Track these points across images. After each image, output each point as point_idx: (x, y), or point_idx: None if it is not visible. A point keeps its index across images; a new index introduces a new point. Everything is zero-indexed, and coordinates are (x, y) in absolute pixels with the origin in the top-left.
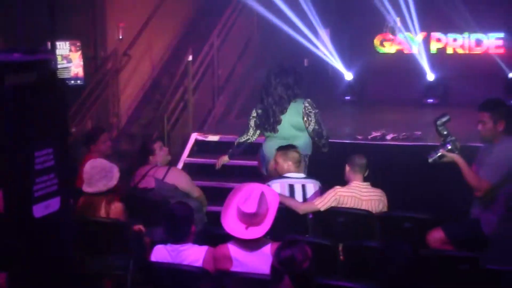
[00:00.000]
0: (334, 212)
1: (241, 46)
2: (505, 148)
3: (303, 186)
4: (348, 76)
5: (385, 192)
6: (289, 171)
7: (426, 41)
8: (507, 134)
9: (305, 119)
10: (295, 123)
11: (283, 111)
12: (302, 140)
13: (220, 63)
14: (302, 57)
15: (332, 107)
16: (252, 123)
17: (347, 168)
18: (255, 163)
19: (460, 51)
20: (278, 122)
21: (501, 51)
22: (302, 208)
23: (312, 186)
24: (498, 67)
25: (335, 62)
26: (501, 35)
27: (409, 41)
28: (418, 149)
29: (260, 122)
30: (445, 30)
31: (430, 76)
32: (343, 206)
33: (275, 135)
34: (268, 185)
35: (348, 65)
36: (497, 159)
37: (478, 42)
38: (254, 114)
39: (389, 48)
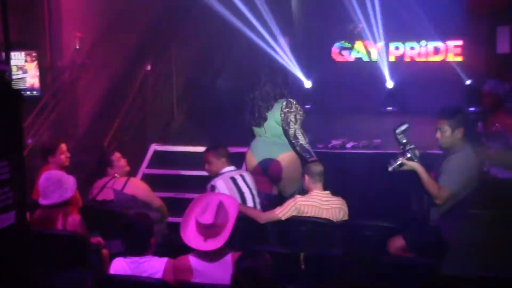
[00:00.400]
0: (295, 221)
1: (201, 55)
2: (465, 156)
3: (242, 176)
4: (307, 84)
5: (345, 200)
6: (223, 167)
7: (385, 50)
8: (466, 142)
9: (282, 116)
10: (278, 120)
11: (268, 107)
12: (282, 140)
13: (179, 73)
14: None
15: None
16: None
17: (306, 178)
18: None
19: (418, 59)
20: (264, 118)
21: (460, 58)
22: (264, 218)
23: (248, 174)
24: (457, 74)
25: (295, 70)
26: (459, 42)
27: (368, 49)
28: (378, 157)
29: (248, 116)
30: (403, 38)
31: (389, 84)
32: (304, 215)
33: (264, 133)
34: (213, 185)
35: (307, 73)
36: (456, 166)
37: (436, 50)
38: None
39: (348, 57)
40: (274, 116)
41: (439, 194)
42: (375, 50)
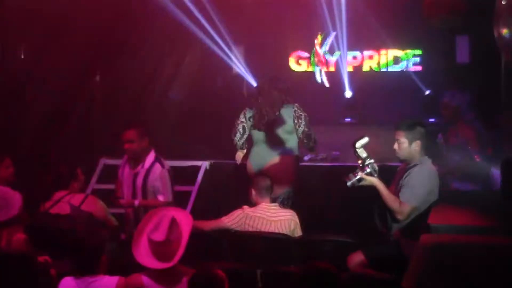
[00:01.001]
0: (250, 236)
1: (152, 64)
2: (425, 170)
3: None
4: None
5: (303, 214)
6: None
7: (343, 59)
8: (424, 155)
9: (296, 121)
10: (286, 126)
11: (275, 112)
12: (292, 143)
13: (130, 83)
14: (215, 75)
15: None
16: (240, 127)
17: (253, 192)
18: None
19: (376, 68)
20: (269, 123)
21: (419, 68)
22: (209, 226)
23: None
24: (416, 84)
25: (250, 80)
26: (419, 51)
27: (326, 59)
28: (337, 170)
29: (253, 122)
30: (361, 47)
31: (348, 94)
32: (251, 227)
33: (264, 137)
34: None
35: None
36: (416, 181)
37: (396, 60)
38: (242, 119)
39: (305, 67)
40: (284, 121)
41: (400, 209)
42: (333, 60)
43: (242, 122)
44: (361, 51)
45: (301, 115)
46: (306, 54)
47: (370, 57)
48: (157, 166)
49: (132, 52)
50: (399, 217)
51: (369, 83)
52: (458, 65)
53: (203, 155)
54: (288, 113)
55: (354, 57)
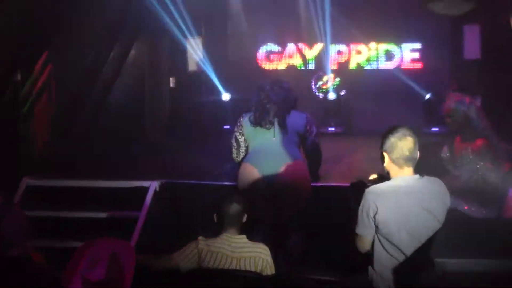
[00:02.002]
0: (215, 274)
1: (88, 64)
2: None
3: None
4: (225, 97)
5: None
6: None
7: (326, 54)
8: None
9: (308, 128)
10: (296, 129)
11: (282, 110)
12: (298, 147)
13: (61, 84)
14: (167, 74)
15: (214, 136)
16: (232, 140)
17: (216, 217)
18: (112, 213)
19: (365, 64)
20: (278, 122)
21: (418, 65)
22: (157, 265)
23: None
24: (415, 86)
25: (209, 79)
26: (417, 45)
27: (303, 53)
28: (320, 191)
29: (256, 120)
30: (348, 40)
31: (331, 96)
32: (207, 264)
33: (272, 137)
34: None
35: (225, 83)
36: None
37: (389, 55)
38: (235, 129)
39: (277, 63)
40: (295, 125)
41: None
42: (313, 55)
43: (235, 132)
44: (347, 44)
45: (312, 122)
46: (278, 48)
47: (358, 52)
48: None
49: (63, 47)
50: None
51: (357, 83)
52: (467, 62)
53: (151, 173)
54: (299, 116)
55: (339, 52)
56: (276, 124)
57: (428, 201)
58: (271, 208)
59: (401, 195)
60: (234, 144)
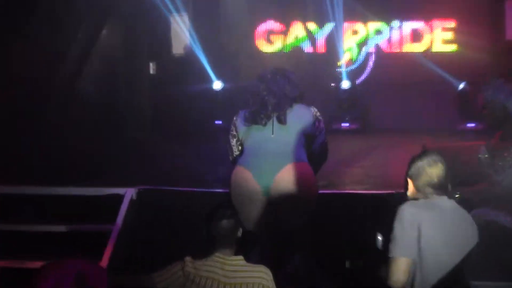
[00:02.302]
0: None
1: (52, 44)
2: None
3: None
4: (217, 85)
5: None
6: None
7: (337, 34)
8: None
9: (317, 125)
10: (302, 126)
11: (283, 103)
12: (302, 146)
13: (17, 71)
14: (146, 59)
15: (203, 133)
16: (230, 137)
17: (205, 233)
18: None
19: (388, 49)
20: (284, 114)
21: (452, 48)
22: (134, 285)
23: None
24: (447, 73)
25: (196, 65)
26: (451, 24)
27: (311, 34)
28: (327, 199)
29: (250, 115)
30: (366, 17)
31: (345, 84)
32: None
33: (270, 134)
34: None
35: (217, 69)
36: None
37: (416, 35)
38: (232, 130)
39: (280, 45)
40: (301, 121)
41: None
42: (323, 35)
43: (231, 132)
44: (364, 21)
45: (321, 119)
46: (280, 27)
47: (378, 32)
48: None
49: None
50: None
51: (376, 69)
52: (509, 44)
53: (127, 178)
54: (307, 110)
55: (355, 32)
56: (275, 119)
57: (465, 219)
58: (270, 221)
59: (444, 211)
60: (232, 143)
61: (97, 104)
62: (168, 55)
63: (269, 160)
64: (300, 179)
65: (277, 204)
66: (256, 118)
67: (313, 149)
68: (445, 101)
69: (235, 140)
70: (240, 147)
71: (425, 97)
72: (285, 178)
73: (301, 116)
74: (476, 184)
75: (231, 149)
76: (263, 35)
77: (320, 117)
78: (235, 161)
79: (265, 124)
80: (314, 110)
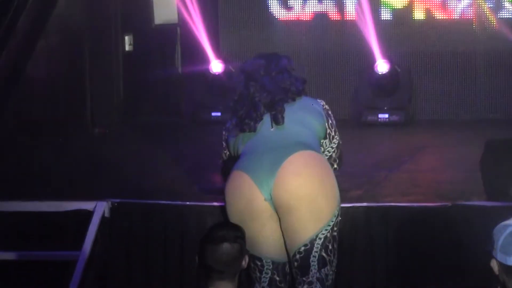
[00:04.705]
0: None
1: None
2: None
3: None
4: (216, 67)
5: None
6: None
7: None
8: None
9: (330, 122)
10: (310, 121)
11: (284, 101)
12: (315, 142)
13: None
14: (118, 30)
15: (196, 129)
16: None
17: (198, 261)
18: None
19: (440, 14)
20: (281, 111)
21: None
22: None
23: None
24: None
25: (188, 38)
26: None
27: None
28: (360, 213)
29: (237, 123)
30: None
31: (382, 68)
32: None
33: (263, 135)
34: None
35: (218, 46)
36: None
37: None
38: (224, 147)
39: (299, 12)
40: (311, 115)
41: None
42: None
43: (224, 151)
44: None
45: (331, 115)
46: None
47: None
48: None
49: None
50: None
51: (424, 45)
52: None
53: (98, 189)
54: (316, 106)
55: None
56: (268, 118)
57: None
58: (276, 237)
59: None
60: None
61: (55, 91)
62: (149, 27)
63: (270, 155)
64: (312, 172)
65: (284, 210)
66: (242, 125)
67: (328, 156)
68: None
69: (233, 146)
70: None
71: (491, 78)
72: (292, 172)
73: (309, 110)
74: None
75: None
76: None
77: (330, 113)
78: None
79: (254, 130)
80: (322, 102)
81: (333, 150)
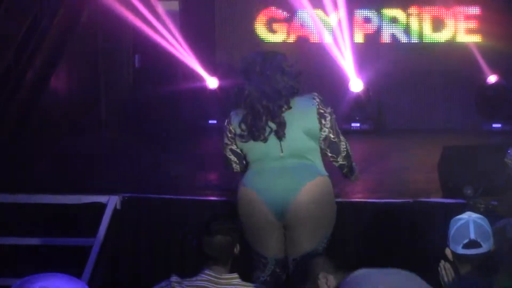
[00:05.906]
0: None
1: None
2: None
3: None
4: (212, 83)
5: None
6: None
7: (348, 24)
8: None
9: (323, 121)
10: (307, 127)
11: (281, 108)
12: (318, 155)
13: None
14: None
15: (195, 134)
16: (227, 152)
17: (196, 247)
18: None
19: (403, 38)
20: (282, 124)
21: (476, 38)
22: None
23: None
24: (474, 66)
25: (187, 59)
26: (475, 10)
27: (318, 23)
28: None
29: (247, 127)
30: (379, 4)
31: (356, 86)
32: None
33: (279, 152)
34: None
35: (210, 65)
36: None
37: (437, 24)
38: (225, 138)
39: (283, 35)
40: (300, 122)
41: None
42: (330, 25)
43: (227, 144)
44: (378, 9)
45: (325, 111)
46: (284, 14)
47: (394, 20)
48: None
49: None
50: None
51: (391, 63)
52: None
53: (110, 184)
54: (307, 106)
55: (367, 20)
56: (273, 134)
57: None
58: (281, 242)
59: None
60: (232, 158)
61: (72, 98)
62: (155, 47)
63: (278, 180)
64: (322, 199)
65: (290, 226)
66: (253, 134)
67: (321, 147)
68: (468, 98)
69: (232, 154)
70: (240, 162)
71: (447, 93)
72: (304, 200)
73: (303, 113)
74: (503, 191)
75: (237, 157)
76: (265, 21)
77: (326, 113)
78: (241, 170)
79: (265, 140)
80: (316, 102)
81: (323, 142)
